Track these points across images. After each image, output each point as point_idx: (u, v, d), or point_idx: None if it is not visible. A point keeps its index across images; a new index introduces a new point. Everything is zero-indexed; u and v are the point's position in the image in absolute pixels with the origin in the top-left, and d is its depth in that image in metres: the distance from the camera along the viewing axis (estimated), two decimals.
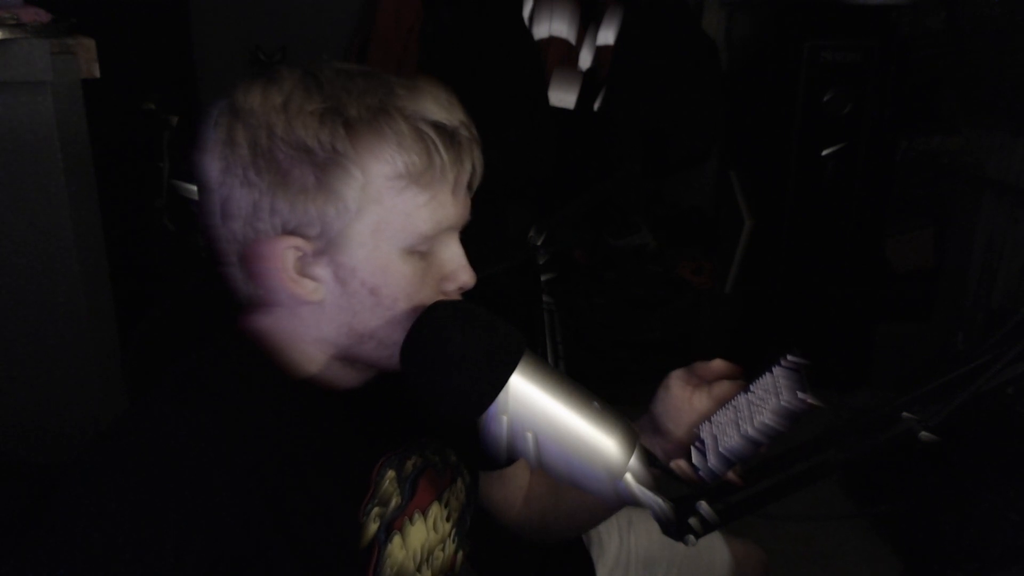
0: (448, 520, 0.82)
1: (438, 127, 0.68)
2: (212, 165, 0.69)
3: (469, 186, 0.73)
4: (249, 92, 0.68)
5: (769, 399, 0.67)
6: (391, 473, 0.76)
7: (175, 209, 1.95)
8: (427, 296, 0.71)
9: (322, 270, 0.69)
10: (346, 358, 0.73)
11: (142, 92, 1.94)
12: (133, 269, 1.81)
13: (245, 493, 0.63)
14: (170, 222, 1.95)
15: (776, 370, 0.70)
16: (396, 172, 0.67)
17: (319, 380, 0.74)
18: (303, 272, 0.69)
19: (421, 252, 0.70)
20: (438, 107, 0.69)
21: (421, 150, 0.67)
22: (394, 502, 0.75)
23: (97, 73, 1.30)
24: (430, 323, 0.66)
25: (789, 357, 0.70)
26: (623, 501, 0.64)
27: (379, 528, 0.73)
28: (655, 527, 0.65)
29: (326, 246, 0.68)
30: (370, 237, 0.68)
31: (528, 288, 2.00)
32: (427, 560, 0.79)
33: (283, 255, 0.68)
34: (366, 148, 0.66)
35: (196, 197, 1.95)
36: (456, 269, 0.73)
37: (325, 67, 0.70)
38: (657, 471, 0.66)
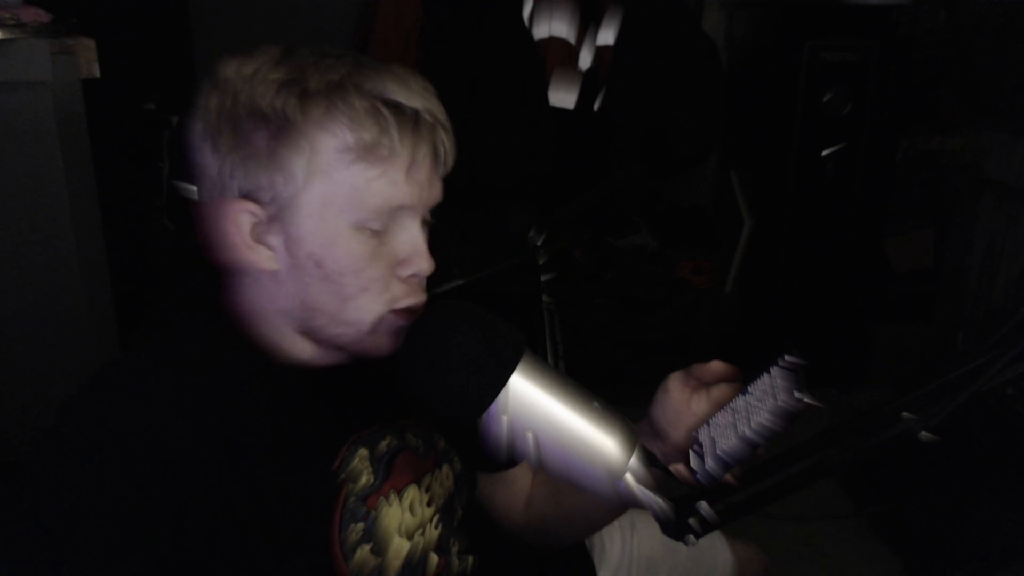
0: (430, 505, 0.81)
1: (394, 106, 0.69)
2: (192, 132, 0.71)
3: (436, 171, 0.74)
4: (228, 63, 0.71)
5: (767, 400, 0.66)
6: (363, 451, 0.76)
7: (175, 209, 1.95)
8: (376, 276, 0.71)
9: (275, 238, 0.70)
10: (307, 333, 0.74)
11: (142, 92, 1.94)
12: (133, 269, 1.81)
13: (209, 458, 0.65)
14: (170, 222, 1.94)
15: (773, 371, 0.70)
16: (345, 145, 0.68)
17: (291, 356, 0.75)
18: (259, 239, 0.71)
19: (373, 230, 0.71)
20: (400, 88, 0.70)
21: (372, 125, 0.68)
22: (364, 479, 0.75)
23: (97, 73, 1.30)
24: (430, 323, 0.66)
25: (786, 357, 0.70)
26: (623, 501, 0.64)
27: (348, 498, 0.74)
28: (658, 530, 0.65)
29: (277, 213, 0.70)
30: (317, 208, 0.69)
31: (528, 288, 2.00)
32: (407, 539, 0.78)
33: (238, 219, 0.70)
34: (316, 119, 0.68)
35: (196, 197, 1.95)
36: (412, 254, 0.73)
37: (305, 46, 0.72)
38: (657, 471, 0.66)
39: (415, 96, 0.71)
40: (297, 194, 0.69)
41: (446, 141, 0.73)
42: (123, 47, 1.56)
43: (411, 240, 0.73)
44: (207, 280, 0.76)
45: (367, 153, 0.68)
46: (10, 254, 1.28)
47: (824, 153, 2.47)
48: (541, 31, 2.46)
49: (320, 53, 0.71)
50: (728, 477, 0.66)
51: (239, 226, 0.70)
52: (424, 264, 0.74)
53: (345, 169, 0.69)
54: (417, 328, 0.67)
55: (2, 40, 1.19)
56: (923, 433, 0.59)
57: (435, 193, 0.75)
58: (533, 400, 0.63)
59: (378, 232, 0.71)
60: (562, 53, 2.47)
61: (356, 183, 0.69)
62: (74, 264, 1.30)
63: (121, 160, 1.82)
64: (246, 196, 0.69)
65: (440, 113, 0.73)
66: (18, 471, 0.62)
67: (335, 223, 0.69)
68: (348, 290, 0.71)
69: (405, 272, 0.73)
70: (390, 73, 0.71)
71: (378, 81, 0.70)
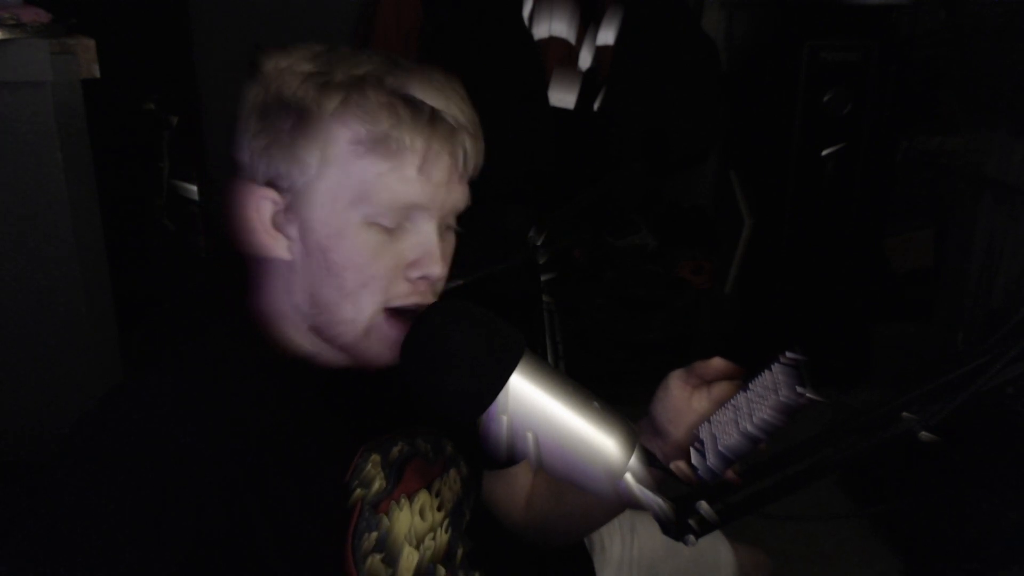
0: (440, 510, 0.82)
1: (411, 101, 0.69)
2: (236, 124, 0.73)
3: (460, 174, 0.74)
4: (269, 56, 0.72)
5: (768, 396, 0.67)
6: (375, 457, 0.76)
7: (175, 209, 1.95)
8: (379, 274, 0.71)
9: (291, 228, 0.72)
10: (315, 331, 0.74)
11: (142, 92, 1.94)
12: (133, 269, 1.81)
13: (225, 467, 0.65)
14: (170, 222, 1.94)
15: (775, 367, 0.70)
16: (356, 137, 0.69)
17: (308, 357, 0.75)
18: (278, 228, 0.72)
19: (384, 227, 0.71)
20: (422, 86, 0.70)
21: (384, 119, 0.68)
22: (376, 485, 0.75)
23: (97, 73, 1.30)
24: (430, 322, 0.66)
25: (787, 354, 0.70)
26: (623, 501, 0.64)
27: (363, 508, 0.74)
28: (658, 531, 0.65)
29: (293, 202, 0.71)
30: (328, 199, 0.70)
31: (528, 288, 2.00)
32: (415, 547, 0.79)
33: (260, 206, 0.71)
34: (331, 110, 0.69)
35: (196, 197, 1.95)
36: (423, 256, 0.73)
37: (347, 47, 0.73)
38: (657, 471, 0.66)
39: (437, 96, 0.71)
40: (310, 183, 0.70)
41: (468, 145, 0.73)
42: (123, 47, 1.56)
43: (423, 242, 0.73)
44: (230, 282, 0.77)
45: (377, 146, 0.69)
46: (10, 254, 1.28)
47: (824, 153, 2.47)
48: (541, 31, 2.46)
49: (357, 52, 0.72)
50: (730, 474, 0.66)
51: (260, 212, 0.71)
52: (435, 268, 0.73)
53: (356, 161, 0.69)
54: (417, 328, 0.66)
55: (2, 40, 1.19)
56: (923, 433, 0.59)
57: (455, 197, 0.74)
58: (533, 400, 0.63)
59: (390, 230, 0.71)
60: (562, 53, 2.47)
61: (366, 176, 0.69)
62: (74, 264, 1.30)
63: (121, 160, 1.82)
64: (269, 183, 0.71)
65: (464, 116, 0.72)
66: (19, 471, 0.63)
67: (345, 215, 0.70)
68: (348, 285, 0.71)
69: (414, 274, 0.73)
70: (417, 72, 0.71)
71: (402, 79, 0.70)
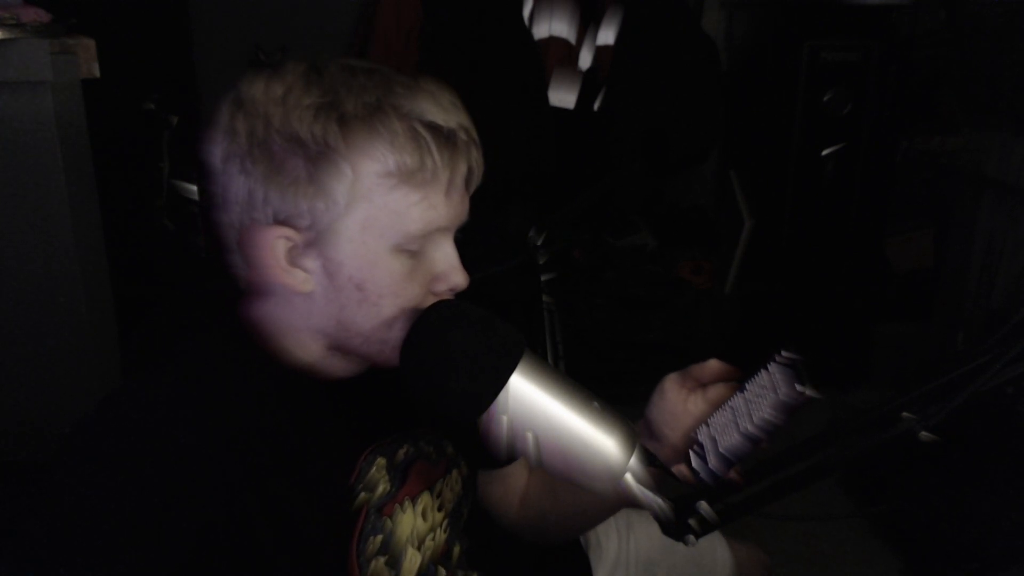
0: (440, 510, 0.82)
1: (433, 128, 0.68)
2: (214, 152, 0.70)
3: (467, 188, 0.73)
4: (253, 83, 0.69)
5: (767, 395, 0.66)
6: (381, 460, 0.76)
7: (175, 209, 1.95)
8: (415, 295, 0.71)
9: (312, 262, 0.70)
10: (337, 349, 0.74)
11: (142, 92, 1.94)
12: (133, 269, 1.81)
13: (226, 467, 0.65)
14: (170, 222, 1.95)
15: (771, 367, 0.70)
16: (387, 170, 0.67)
17: (312, 368, 0.75)
18: (294, 263, 0.70)
19: (411, 251, 0.70)
20: (436, 107, 0.69)
21: (414, 150, 0.67)
22: (381, 488, 0.75)
23: (97, 73, 1.30)
24: (430, 323, 0.66)
25: (783, 353, 0.70)
26: (623, 501, 0.65)
27: (369, 512, 0.74)
28: (655, 530, 0.66)
29: (315, 238, 0.69)
30: (358, 233, 0.68)
31: (528, 288, 2.00)
32: (417, 548, 0.79)
33: (274, 244, 0.69)
34: (358, 145, 0.67)
35: (196, 197, 1.95)
36: (447, 270, 0.73)
37: (331, 62, 0.70)
38: (657, 471, 0.66)
39: (448, 115, 0.70)
40: (337, 219, 0.68)
41: (477, 158, 0.72)
42: (123, 47, 1.56)
43: (446, 257, 0.73)
44: (225, 292, 0.76)
45: (409, 178, 0.68)
46: (10, 254, 1.28)
47: (824, 153, 2.47)
48: (541, 31, 2.46)
49: (349, 70, 0.69)
50: (732, 474, 0.66)
51: (275, 251, 0.69)
52: (459, 279, 0.74)
53: (387, 194, 0.68)
54: (416, 328, 0.67)
55: (2, 40, 1.19)
56: (923, 433, 0.59)
57: (465, 210, 0.74)
58: (533, 400, 0.63)
59: (415, 252, 0.71)
60: (562, 53, 2.47)
61: (398, 208, 0.68)
62: (74, 264, 1.30)
63: (121, 160, 1.82)
64: (281, 221, 0.68)
65: (472, 129, 0.72)
66: (19, 471, 0.63)
67: (375, 247, 0.69)
68: (385, 311, 0.70)
69: (441, 287, 0.73)
70: (423, 91, 0.70)
71: (414, 102, 0.69)
